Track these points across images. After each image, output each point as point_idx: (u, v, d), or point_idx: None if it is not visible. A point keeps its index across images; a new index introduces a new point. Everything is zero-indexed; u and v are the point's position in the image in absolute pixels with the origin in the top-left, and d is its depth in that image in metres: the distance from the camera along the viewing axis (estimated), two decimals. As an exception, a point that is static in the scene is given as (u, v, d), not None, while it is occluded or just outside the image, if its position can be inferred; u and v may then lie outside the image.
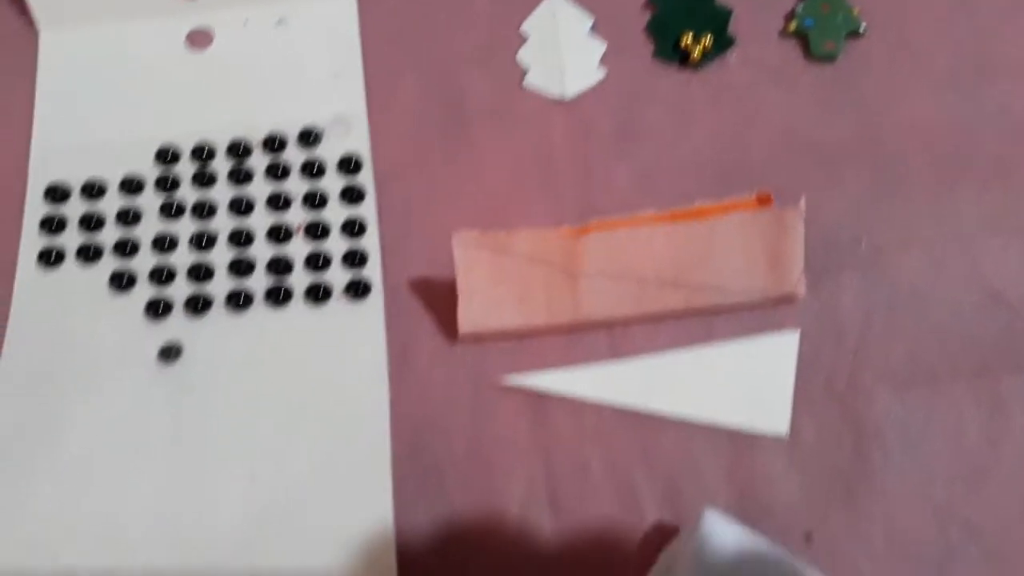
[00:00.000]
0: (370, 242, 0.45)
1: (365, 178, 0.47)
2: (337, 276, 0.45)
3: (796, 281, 0.42)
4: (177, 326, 0.44)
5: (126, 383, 0.43)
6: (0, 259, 0.45)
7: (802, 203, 0.42)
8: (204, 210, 0.46)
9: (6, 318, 0.44)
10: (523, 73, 0.49)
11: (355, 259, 0.45)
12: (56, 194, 0.46)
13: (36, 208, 0.46)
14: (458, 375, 0.43)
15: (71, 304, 0.44)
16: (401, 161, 0.47)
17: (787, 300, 0.43)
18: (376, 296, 0.44)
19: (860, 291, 0.44)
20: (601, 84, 0.49)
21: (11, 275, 0.45)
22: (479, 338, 0.43)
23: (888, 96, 0.48)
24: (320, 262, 0.45)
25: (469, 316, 0.42)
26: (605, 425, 0.42)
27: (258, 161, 0.47)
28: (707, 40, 0.48)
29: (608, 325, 0.43)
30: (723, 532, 0.36)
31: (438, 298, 0.44)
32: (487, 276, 0.42)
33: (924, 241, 0.45)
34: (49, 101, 0.49)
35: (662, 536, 0.40)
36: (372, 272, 0.45)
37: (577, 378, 0.43)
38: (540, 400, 0.42)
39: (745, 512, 0.40)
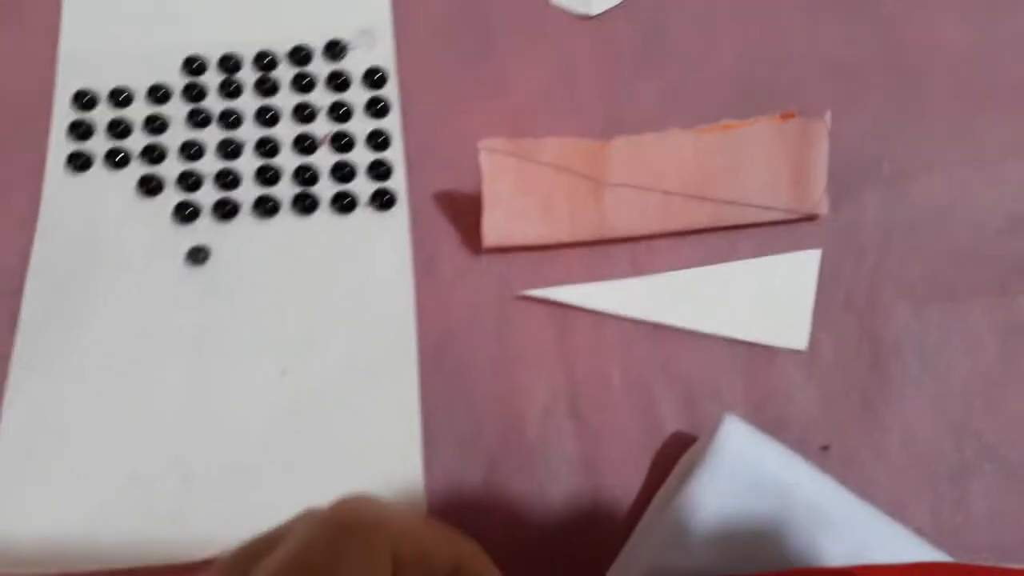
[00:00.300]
0: (395, 154, 0.46)
1: (390, 91, 0.47)
2: (362, 187, 0.45)
3: (819, 199, 0.43)
4: (205, 230, 0.45)
5: (156, 282, 0.44)
6: (29, 161, 0.46)
7: (827, 116, 0.42)
8: (230, 119, 0.46)
9: (36, 215, 0.44)
10: (549, -10, 0.49)
11: (380, 171, 0.45)
12: (84, 100, 0.46)
13: (64, 113, 0.46)
14: (482, 287, 0.44)
15: (100, 206, 0.45)
16: (426, 75, 0.47)
17: (809, 218, 0.43)
18: (401, 208, 0.45)
19: (881, 211, 0.44)
20: (628, 2, 0.48)
21: (40, 177, 0.45)
22: (503, 250, 0.43)
23: (913, 19, 0.48)
24: (345, 173, 0.45)
25: (493, 228, 0.42)
26: (626, 338, 0.43)
27: (284, 73, 0.47)
28: (734, -40, 0.48)
29: (631, 240, 0.44)
30: (741, 436, 0.37)
31: (462, 211, 0.44)
32: (512, 186, 0.42)
33: (946, 164, 0.45)
34: (76, 8, 0.49)
35: (681, 445, 0.41)
36: (397, 184, 0.45)
37: (600, 292, 0.43)
38: (563, 313, 0.43)
39: (763, 424, 0.40)
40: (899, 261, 0.43)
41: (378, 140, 0.46)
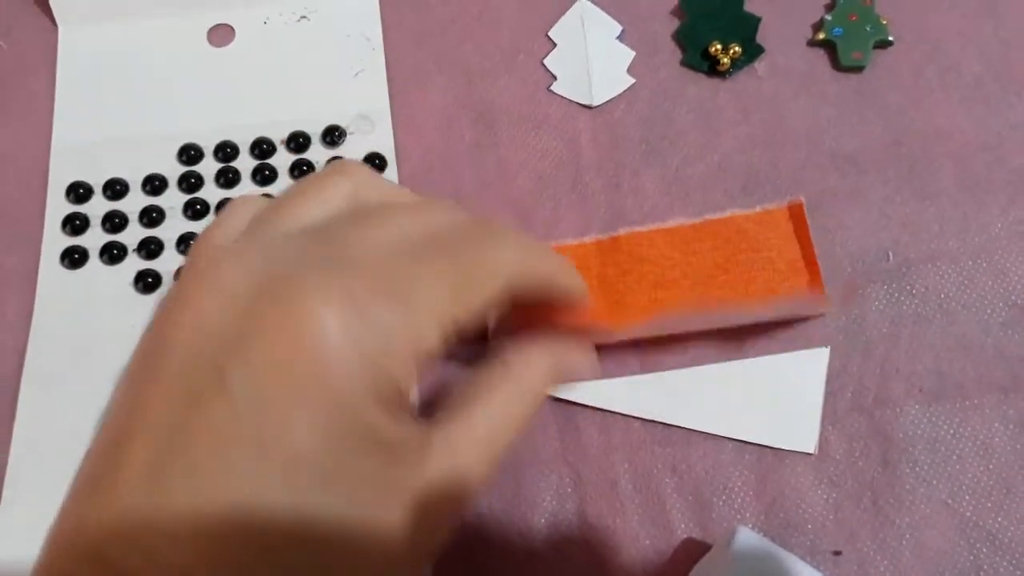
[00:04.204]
0: (397, 244, 0.45)
1: (390, 176, 0.46)
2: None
3: (825, 293, 0.42)
4: (204, 328, 0.43)
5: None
6: (23, 258, 0.45)
7: (802, 198, 0.44)
8: (229, 211, 0.46)
9: (29, 317, 0.43)
10: (550, 78, 0.49)
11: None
12: (78, 193, 0.46)
13: (57, 207, 0.46)
14: (486, 383, 0.43)
15: (96, 304, 0.44)
16: (426, 162, 0.47)
17: (815, 313, 0.43)
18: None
19: (887, 304, 0.44)
20: (629, 91, 0.48)
21: (34, 274, 0.44)
22: (508, 347, 0.43)
23: (915, 107, 0.48)
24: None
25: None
26: (634, 438, 0.42)
27: (282, 159, 0.47)
28: (736, 48, 0.48)
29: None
30: (755, 550, 0.36)
31: (465, 304, 0.44)
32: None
33: (951, 254, 0.45)
34: (69, 98, 0.48)
35: (691, 553, 0.40)
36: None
37: (607, 391, 0.42)
38: (569, 411, 0.42)
39: (775, 529, 0.40)
40: (907, 356, 0.43)
41: (379, 229, 0.45)
